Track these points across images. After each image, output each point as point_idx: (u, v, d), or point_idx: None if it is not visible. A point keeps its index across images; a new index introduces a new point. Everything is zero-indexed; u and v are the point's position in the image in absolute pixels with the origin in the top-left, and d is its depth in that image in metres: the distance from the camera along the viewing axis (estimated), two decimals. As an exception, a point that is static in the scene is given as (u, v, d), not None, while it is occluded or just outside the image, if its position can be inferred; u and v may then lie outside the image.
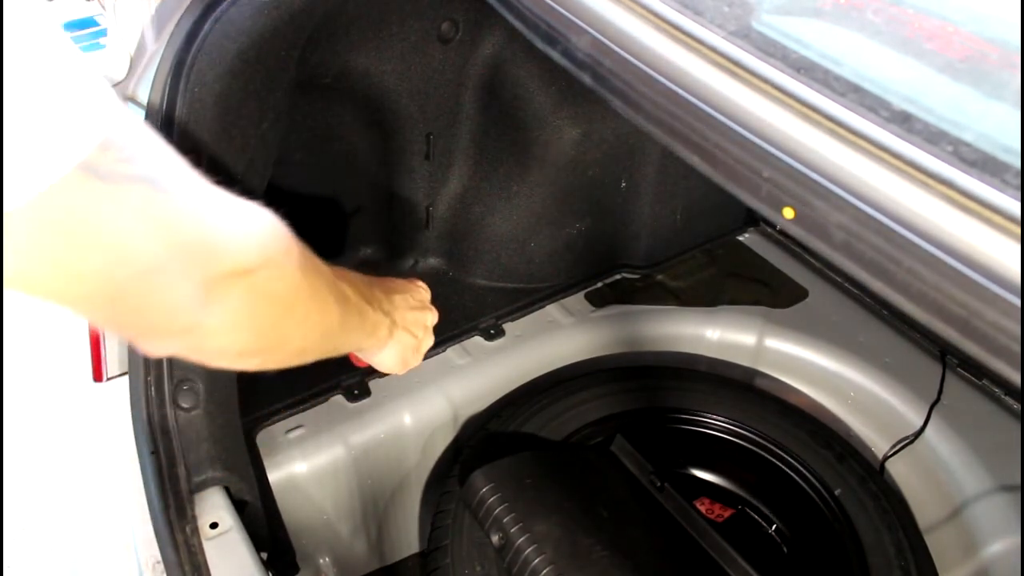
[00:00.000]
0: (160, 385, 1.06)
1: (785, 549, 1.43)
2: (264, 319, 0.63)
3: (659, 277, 1.80)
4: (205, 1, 1.00)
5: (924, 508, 1.44)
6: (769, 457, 1.46)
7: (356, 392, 1.47)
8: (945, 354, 1.56)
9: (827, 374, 1.61)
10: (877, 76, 0.59)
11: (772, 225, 1.89)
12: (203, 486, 1.10)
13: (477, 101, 1.48)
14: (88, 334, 1.14)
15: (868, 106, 0.56)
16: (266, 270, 0.60)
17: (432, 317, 1.00)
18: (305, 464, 1.41)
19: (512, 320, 1.67)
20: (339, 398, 1.48)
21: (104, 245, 0.48)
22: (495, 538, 1.20)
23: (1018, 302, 0.45)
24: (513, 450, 1.33)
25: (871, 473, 1.41)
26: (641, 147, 1.64)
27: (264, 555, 1.11)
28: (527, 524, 1.19)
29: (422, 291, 1.01)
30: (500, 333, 1.63)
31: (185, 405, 1.07)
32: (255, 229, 0.59)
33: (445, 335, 1.57)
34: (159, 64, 1.00)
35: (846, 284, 1.75)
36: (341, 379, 1.47)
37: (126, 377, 1.10)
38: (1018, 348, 0.45)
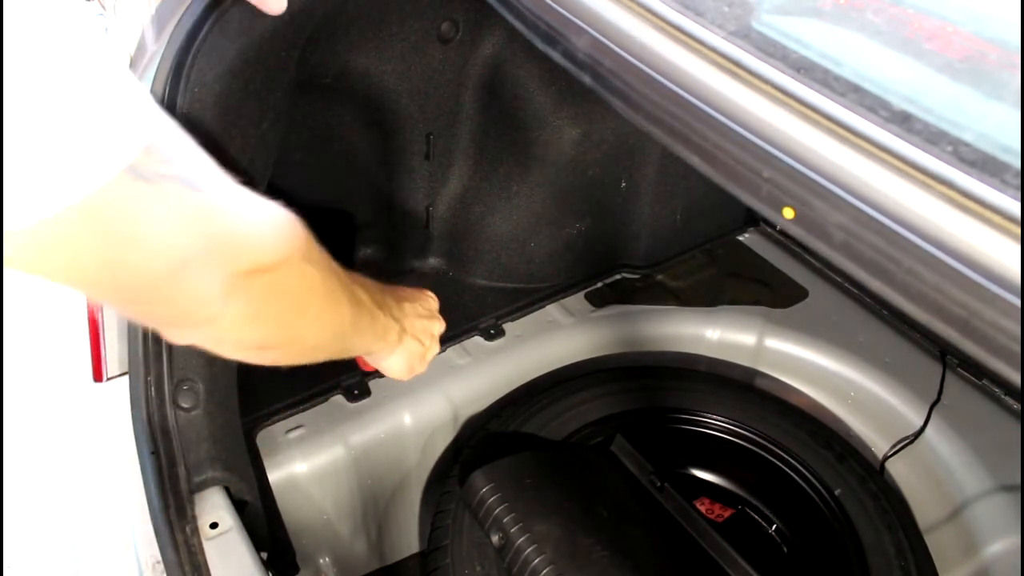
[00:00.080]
0: (160, 385, 1.06)
1: (785, 549, 1.43)
2: (281, 314, 0.66)
3: (659, 277, 1.80)
4: (205, 1, 1.00)
5: (924, 508, 1.44)
6: (769, 457, 1.46)
7: (356, 392, 1.47)
8: (945, 354, 1.56)
9: (827, 374, 1.61)
10: (877, 76, 0.59)
11: (772, 225, 1.89)
12: (203, 486, 1.10)
13: (477, 101, 1.48)
14: (88, 334, 1.14)
15: (868, 106, 0.56)
16: (285, 268, 0.63)
17: (439, 327, 1.03)
18: (305, 464, 1.41)
19: (512, 320, 1.67)
20: (339, 398, 1.48)
21: (144, 240, 0.51)
22: (495, 538, 1.20)
23: (1018, 302, 0.45)
24: (513, 450, 1.33)
25: (871, 473, 1.41)
26: (641, 147, 1.64)
27: (264, 555, 1.11)
28: (527, 524, 1.19)
29: (431, 300, 1.04)
30: (500, 333, 1.63)
31: (185, 405, 1.07)
32: (277, 228, 0.62)
33: (445, 335, 1.57)
34: (159, 64, 0.99)
35: (846, 284, 1.75)
36: (341, 379, 1.47)
37: (126, 377, 1.10)
38: (1018, 348, 0.45)
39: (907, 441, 1.50)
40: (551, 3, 0.74)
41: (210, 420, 1.10)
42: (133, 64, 1.06)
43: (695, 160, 0.61)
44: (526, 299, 1.70)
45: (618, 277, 1.80)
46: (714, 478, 1.52)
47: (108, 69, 0.47)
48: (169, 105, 0.97)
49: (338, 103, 1.41)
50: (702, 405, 1.51)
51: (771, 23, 0.66)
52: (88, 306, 1.14)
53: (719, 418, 1.50)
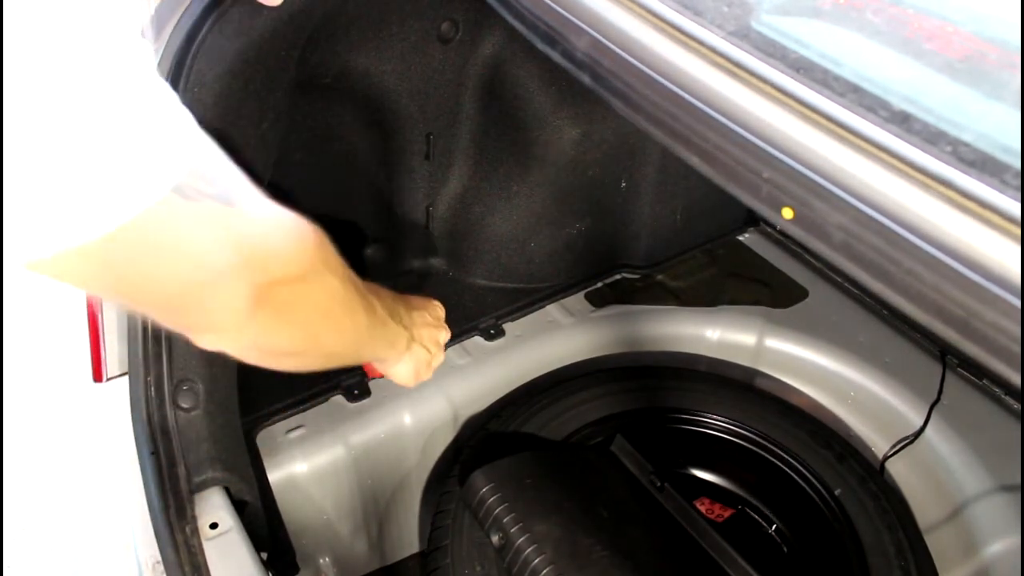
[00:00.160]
0: (160, 385, 1.06)
1: (785, 549, 1.43)
2: (304, 322, 0.70)
3: (659, 277, 1.80)
4: (205, 1, 1.00)
5: (924, 508, 1.44)
6: (769, 457, 1.45)
7: (356, 392, 1.47)
8: (945, 354, 1.56)
9: (827, 374, 1.61)
10: (876, 76, 0.59)
11: (772, 225, 1.89)
12: (203, 486, 1.10)
13: (477, 101, 1.48)
14: (88, 334, 1.14)
15: (867, 106, 0.56)
16: (310, 278, 0.67)
17: (445, 335, 1.06)
18: (305, 464, 1.41)
19: (512, 320, 1.67)
20: (339, 398, 1.47)
21: (186, 255, 0.54)
22: (495, 538, 1.20)
23: (1017, 303, 0.45)
24: (513, 450, 1.33)
25: (871, 473, 1.41)
26: (641, 147, 1.64)
27: (264, 555, 1.11)
28: (527, 524, 1.19)
29: (438, 309, 1.06)
30: (500, 333, 1.63)
31: (185, 405, 1.07)
32: (303, 240, 0.65)
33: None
34: (159, 64, 1.00)
35: (846, 284, 1.75)
36: (341, 379, 1.47)
37: (126, 377, 1.10)
38: (1018, 349, 0.45)
39: (907, 441, 1.50)
40: (550, 3, 0.74)
41: (210, 420, 1.10)
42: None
43: (695, 160, 0.61)
44: (526, 299, 1.70)
45: (618, 277, 1.80)
46: (714, 478, 1.52)
47: (155, 87, 0.49)
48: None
49: (338, 103, 1.41)
50: (702, 405, 1.51)
51: (770, 23, 0.66)
52: (88, 306, 1.14)
53: (719, 418, 1.50)
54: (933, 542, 1.34)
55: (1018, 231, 0.47)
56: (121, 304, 0.59)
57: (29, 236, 0.46)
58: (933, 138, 0.53)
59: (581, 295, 1.75)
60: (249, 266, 0.59)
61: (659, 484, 1.34)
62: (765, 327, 1.67)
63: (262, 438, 1.40)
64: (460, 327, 1.61)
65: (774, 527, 1.45)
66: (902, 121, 0.55)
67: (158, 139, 0.49)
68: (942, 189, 0.50)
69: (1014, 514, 1.33)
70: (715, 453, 1.50)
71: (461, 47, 1.39)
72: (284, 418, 1.43)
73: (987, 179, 0.49)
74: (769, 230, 1.91)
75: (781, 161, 0.55)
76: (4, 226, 0.45)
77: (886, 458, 1.52)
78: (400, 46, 1.34)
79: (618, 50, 0.67)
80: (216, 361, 1.10)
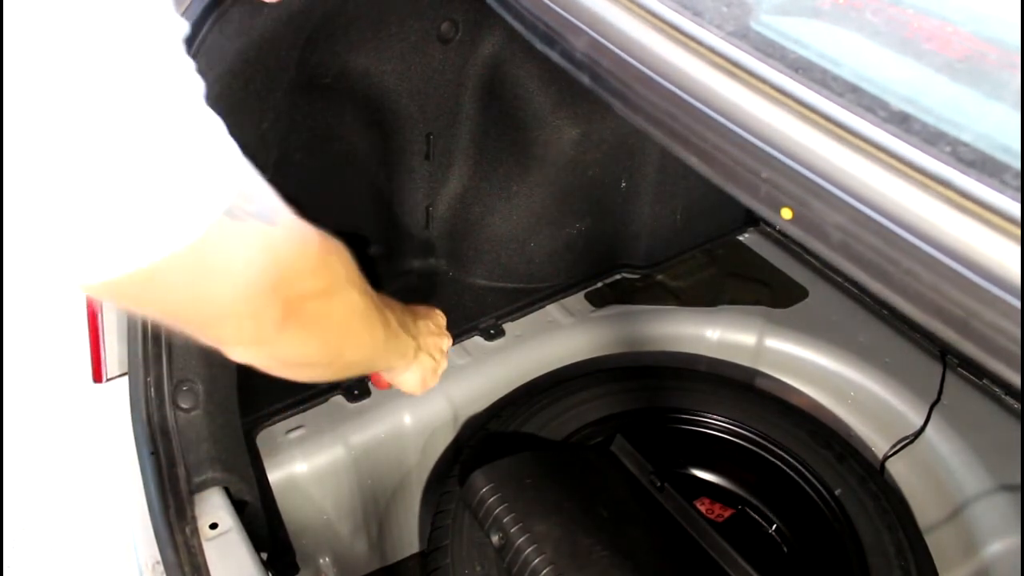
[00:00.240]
0: (160, 386, 1.06)
1: (785, 549, 1.43)
2: (329, 335, 0.73)
3: (659, 277, 1.80)
4: (205, 1, 1.00)
5: (924, 508, 1.44)
6: (769, 457, 1.45)
7: (356, 392, 1.47)
8: (945, 354, 1.56)
9: (827, 374, 1.61)
10: (876, 76, 0.59)
11: (772, 225, 1.89)
12: (203, 487, 1.10)
13: (477, 101, 1.48)
14: (88, 335, 1.14)
15: (866, 106, 0.56)
16: (336, 292, 0.70)
17: (447, 342, 1.08)
18: (305, 464, 1.41)
19: (512, 320, 1.67)
20: (339, 398, 1.48)
21: (230, 274, 0.56)
22: (495, 538, 1.20)
23: (1016, 303, 0.45)
24: (513, 450, 1.33)
25: (871, 473, 1.41)
26: (641, 147, 1.64)
27: (264, 555, 1.11)
28: (527, 524, 1.19)
29: (440, 317, 1.09)
30: (500, 333, 1.63)
31: (185, 406, 1.07)
32: (330, 256, 0.69)
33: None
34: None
35: (846, 284, 1.75)
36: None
37: (126, 378, 1.10)
38: (1016, 349, 0.45)
39: (907, 441, 1.50)
40: (550, 3, 0.74)
41: (210, 420, 1.10)
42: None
43: (694, 161, 0.61)
44: (526, 299, 1.70)
45: (618, 277, 1.80)
46: (714, 478, 1.52)
47: (202, 108, 0.51)
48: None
49: (338, 103, 1.41)
50: (702, 405, 1.51)
51: (770, 23, 0.66)
52: (88, 306, 1.14)
53: (719, 418, 1.50)
54: (933, 542, 1.34)
55: (1017, 231, 0.47)
56: (164, 322, 0.63)
57: (92, 259, 0.48)
58: (932, 138, 0.53)
59: (581, 295, 1.75)
60: (284, 283, 0.61)
61: (659, 484, 1.34)
62: (765, 327, 1.67)
63: (262, 438, 1.40)
64: (460, 327, 1.61)
65: (774, 527, 1.45)
66: (901, 121, 0.55)
67: (211, 162, 0.51)
68: (941, 189, 0.50)
69: (1014, 514, 1.33)
70: (715, 453, 1.50)
71: (461, 47, 1.39)
72: (284, 418, 1.43)
73: (986, 179, 0.49)
74: (769, 230, 1.91)
75: (780, 161, 0.55)
76: (65, 250, 0.47)
77: (886, 458, 1.52)
78: (400, 46, 1.34)
79: (617, 50, 0.67)
80: (215, 361, 1.10)
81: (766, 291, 1.75)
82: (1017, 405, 1.47)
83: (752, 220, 1.91)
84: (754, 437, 1.47)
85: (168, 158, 0.47)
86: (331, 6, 1.17)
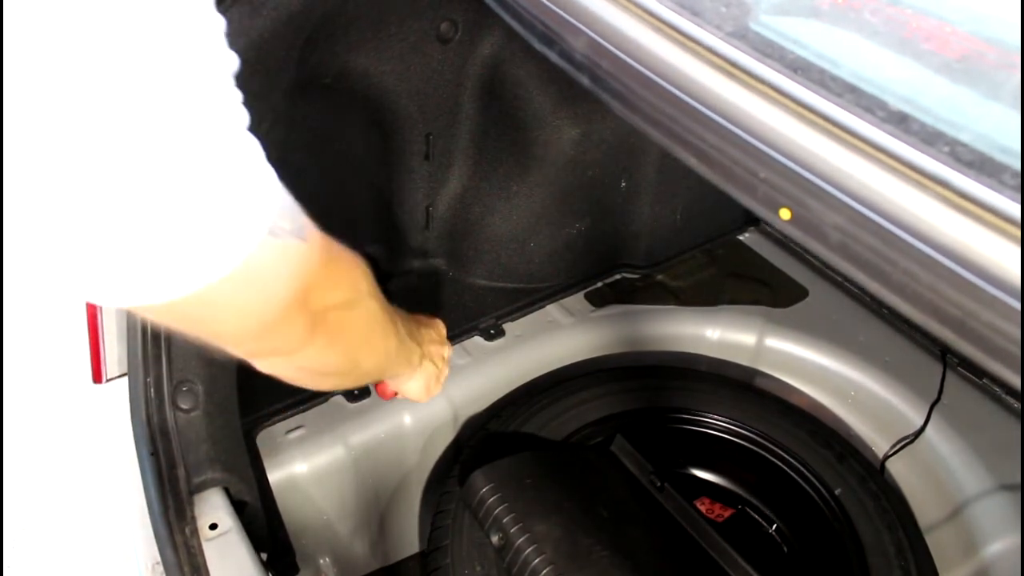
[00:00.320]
0: (159, 386, 1.06)
1: (785, 549, 1.43)
2: (349, 344, 0.76)
3: (659, 277, 1.80)
4: (204, 2, 1.00)
5: (924, 508, 1.44)
6: (769, 457, 1.45)
7: (356, 392, 1.47)
8: (946, 353, 1.56)
9: (827, 373, 1.61)
10: (874, 76, 0.59)
11: (772, 225, 1.89)
12: (202, 487, 1.10)
13: (476, 101, 1.48)
14: (88, 335, 1.14)
15: (865, 106, 0.56)
16: (357, 303, 0.73)
17: (448, 351, 1.13)
18: (305, 464, 1.41)
19: (512, 320, 1.67)
20: (339, 398, 1.48)
21: (272, 289, 0.59)
22: (495, 538, 1.20)
23: (1015, 303, 0.45)
24: (513, 450, 1.33)
25: (871, 473, 1.41)
26: (641, 147, 1.64)
27: (264, 556, 1.11)
28: (527, 524, 1.19)
29: (441, 327, 1.13)
30: (500, 333, 1.63)
31: (184, 406, 1.07)
32: (353, 269, 0.72)
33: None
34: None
35: (846, 283, 1.75)
36: (341, 379, 1.47)
37: (125, 378, 1.10)
38: (1015, 349, 0.45)
39: (907, 441, 1.50)
40: (548, 4, 0.74)
41: (209, 421, 1.10)
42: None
43: (692, 161, 0.61)
44: (526, 299, 1.69)
45: (618, 277, 1.80)
46: (714, 478, 1.52)
47: (247, 136, 0.52)
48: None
49: (338, 103, 1.41)
50: (702, 405, 1.51)
51: (768, 23, 0.66)
52: (88, 307, 1.14)
53: (719, 418, 1.50)
54: (933, 542, 1.33)
55: (1016, 232, 0.46)
56: (204, 338, 0.63)
57: (154, 282, 0.50)
58: (931, 138, 0.53)
59: (581, 295, 1.75)
60: (315, 294, 0.64)
61: (659, 484, 1.34)
62: (765, 327, 1.67)
63: (262, 438, 1.40)
64: (460, 327, 1.61)
65: (774, 527, 1.45)
66: (900, 121, 0.55)
67: (254, 184, 0.53)
68: (939, 189, 0.50)
69: (1014, 514, 1.32)
70: (715, 453, 1.50)
71: (460, 47, 1.39)
72: (284, 418, 1.44)
73: (985, 180, 0.49)
74: (769, 229, 1.91)
75: (778, 162, 0.55)
76: (123, 273, 0.49)
77: (886, 458, 1.52)
78: (399, 46, 1.34)
79: (616, 51, 0.67)
80: (215, 362, 1.10)
81: (766, 291, 1.75)
82: (1017, 405, 1.47)
83: (752, 220, 1.91)
84: (754, 437, 1.47)
85: (220, 183, 0.49)
86: (330, 6, 1.17)
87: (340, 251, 0.69)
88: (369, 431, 1.46)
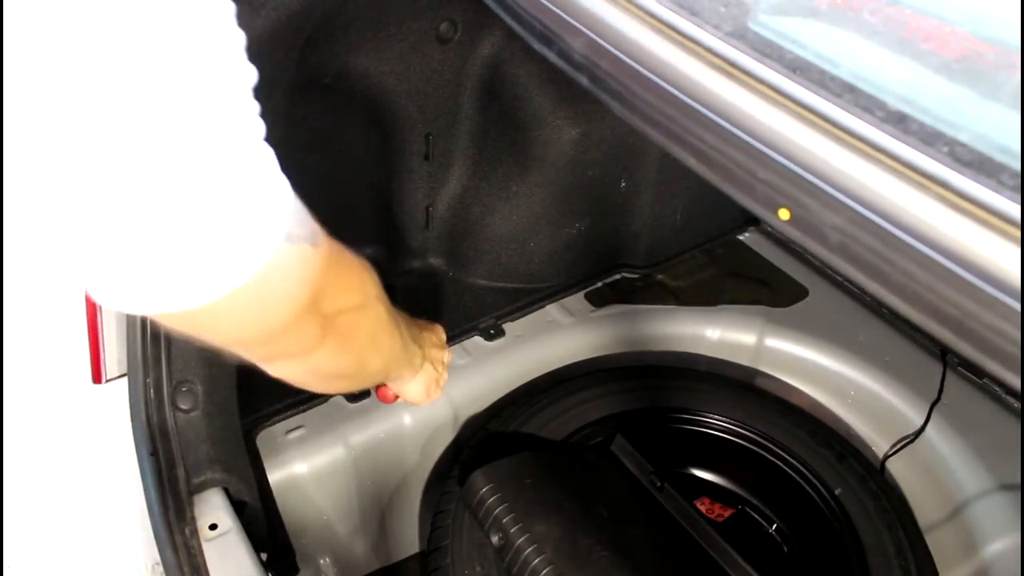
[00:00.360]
0: (159, 387, 1.06)
1: (785, 549, 1.43)
2: (358, 347, 0.77)
3: (659, 277, 1.80)
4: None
5: (924, 507, 1.44)
6: (769, 457, 1.45)
7: (356, 393, 1.47)
8: (946, 353, 1.56)
9: (827, 373, 1.61)
10: (873, 76, 0.59)
11: (771, 225, 1.89)
12: (202, 487, 1.10)
13: (476, 101, 1.48)
14: (87, 336, 1.14)
15: (864, 107, 0.56)
16: (365, 307, 0.75)
17: (448, 355, 1.14)
18: (305, 464, 1.41)
19: (512, 320, 1.67)
20: (339, 398, 1.48)
21: (289, 294, 0.60)
22: (495, 538, 1.20)
23: (1014, 304, 0.45)
24: (513, 450, 1.33)
25: (871, 472, 1.41)
26: (641, 147, 1.64)
27: (264, 556, 1.11)
28: (527, 524, 1.19)
29: (441, 332, 1.15)
30: (500, 333, 1.63)
31: (184, 407, 1.07)
32: (362, 273, 0.73)
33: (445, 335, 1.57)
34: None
35: (847, 283, 1.75)
36: (341, 379, 1.47)
37: (125, 379, 1.10)
38: (1014, 350, 0.45)
39: (907, 440, 1.50)
40: (547, 4, 0.73)
41: (209, 421, 1.10)
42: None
43: (691, 161, 0.61)
44: (526, 299, 1.69)
45: (618, 277, 1.80)
46: (714, 478, 1.52)
47: (264, 146, 0.54)
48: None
49: (338, 103, 1.41)
50: (702, 405, 1.51)
51: (767, 23, 0.66)
52: (87, 307, 1.14)
53: (719, 418, 1.50)
54: (933, 542, 1.33)
55: (1015, 232, 0.46)
56: (220, 344, 0.64)
57: (171, 290, 0.51)
58: (930, 138, 0.53)
59: (581, 295, 1.75)
60: (327, 298, 0.65)
61: (659, 484, 1.34)
62: (765, 326, 1.67)
63: (262, 439, 1.40)
64: (460, 327, 1.61)
65: (774, 527, 1.45)
66: (899, 121, 0.55)
67: (272, 191, 0.54)
68: (938, 190, 0.50)
69: (1014, 514, 1.32)
70: (715, 453, 1.50)
71: (460, 47, 1.39)
72: (284, 418, 1.44)
73: (984, 180, 0.49)
74: (769, 229, 1.91)
75: (777, 162, 0.55)
76: (145, 282, 0.50)
77: (886, 457, 1.52)
78: (399, 47, 1.34)
79: (614, 51, 0.67)
80: (215, 362, 1.10)
81: (766, 290, 1.75)
82: (1017, 405, 1.47)
83: (752, 219, 1.91)
84: (754, 437, 1.47)
85: (240, 192, 0.51)
86: (330, 6, 1.17)
87: (348, 255, 0.70)
88: (369, 431, 1.46)
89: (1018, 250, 0.46)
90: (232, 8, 0.50)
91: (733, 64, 0.62)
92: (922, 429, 1.48)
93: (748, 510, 1.48)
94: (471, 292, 1.69)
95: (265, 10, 1.02)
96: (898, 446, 1.51)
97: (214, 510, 1.07)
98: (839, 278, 1.76)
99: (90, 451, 1.18)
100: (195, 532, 1.03)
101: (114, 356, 1.14)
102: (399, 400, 1.13)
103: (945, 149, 0.52)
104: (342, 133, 1.46)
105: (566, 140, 1.54)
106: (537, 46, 0.76)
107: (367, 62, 1.33)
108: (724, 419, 1.50)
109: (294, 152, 1.45)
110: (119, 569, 1.08)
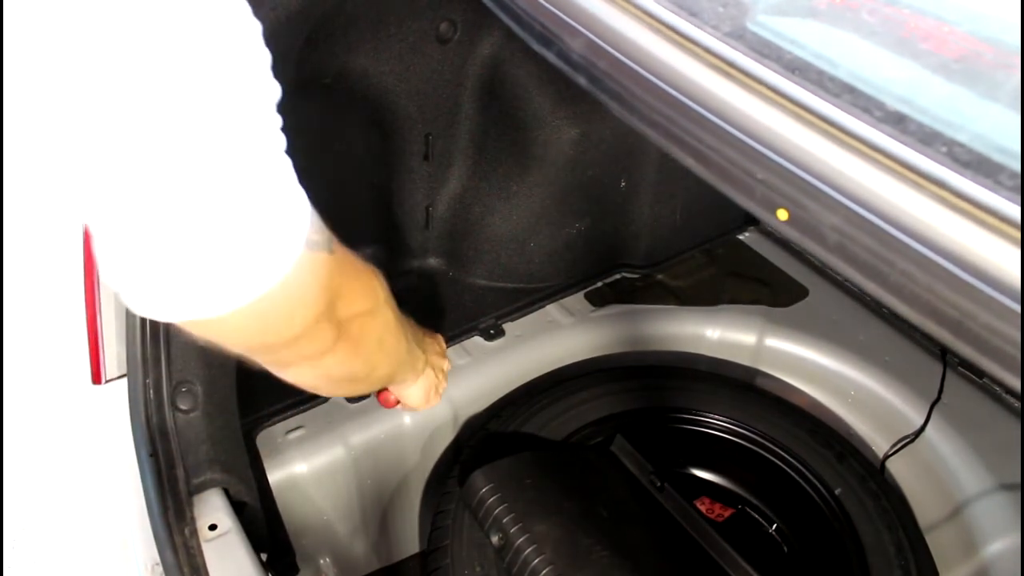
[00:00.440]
0: (159, 387, 1.06)
1: (785, 549, 1.43)
2: (369, 351, 0.78)
3: (659, 277, 1.80)
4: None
5: (924, 507, 1.44)
6: (769, 456, 1.45)
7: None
8: (946, 352, 1.55)
9: (827, 373, 1.61)
10: (872, 77, 0.59)
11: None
12: (202, 488, 1.10)
13: (476, 101, 1.48)
14: (87, 336, 1.14)
15: (862, 107, 0.56)
16: (375, 312, 0.76)
17: (448, 365, 1.17)
18: (305, 465, 1.41)
19: (512, 320, 1.67)
20: (339, 398, 1.47)
21: (308, 299, 0.61)
22: (495, 538, 1.20)
23: (1013, 304, 0.45)
24: (513, 450, 1.33)
25: (871, 472, 1.41)
26: (640, 146, 1.63)
27: (264, 556, 1.11)
28: (527, 524, 1.19)
29: (442, 340, 1.17)
30: (500, 333, 1.63)
31: (184, 407, 1.07)
32: (372, 279, 0.75)
33: (445, 335, 1.57)
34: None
35: (847, 283, 1.75)
36: (341, 380, 1.47)
37: (125, 379, 1.10)
38: (1013, 351, 0.45)
39: (907, 440, 1.50)
40: (546, 4, 0.73)
41: (209, 422, 1.10)
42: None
43: (690, 162, 0.61)
44: (526, 299, 1.69)
45: (618, 277, 1.80)
46: (714, 478, 1.52)
47: (285, 157, 0.55)
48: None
49: (338, 104, 1.41)
50: (702, 405, 1.51)
51: (766, 23, 0.66)
52: (87, 308, 1.14)
53: (719, 418, 1.50)
54: (933, 541, 1.33)
55: (1014, 232, 0.46)
56: (241, 350, 0.66)
57: (202, 297, 0.53)
58: (928, 139, 0.53)
59: (581, 295, 1.75)
60: (342, 303, 0.67)
61: (659, 484, 1.34)
62: (765, 326, 1.67)
63: (262, 439, 1.40)
64: (460, 327, 1.61)
65: (774, 527, 1.45)
66: (897, 122, 0.55)
67: (292, 201, 0.56)
68: (937, 190, 0.50)
69: (1014, 513, 1.32)
70: (715, 453, 1.50)
71: (459, 47, 1.39)
72: (284, 419, 1.43)
73: (982, 180, 0.49)
74: (769, 229, 1.91)
75: (776, 162, 0.55)
76: (176, 290, 0.53)
77: (886, 457, 1.52)
78: (399, 47, 1.34)
79: (613, 51, 0.67)
80: (215, 363, 1.10)
81: (766, 290, 1.75)
82: (1017, 404, 1.47)
83: (752, 219, 1.91)
84: (754, 437, 1.47)
85: (265, 203, 0.53)
86: (330, 7, 1.17)
87: (358, 261, 0.72)
88: (369, 431, 1.46)
89: (1017, 251, 0.46)
90: (259, 28, 0.53)
91: (732, 64, 0.62)
92: (922, 429, 1.48)
93: (748, 510, 1.47)
94: (471, 292, 1.69)
95: (264, 10, 1.02)
96: (898, 446, 1.51)
97: (214, 510, 1.07)
98: (839, 278, 1.76)
99: (90, 452, 1.18)
100: (195, 532, 1.03)
101: (114, 357, 1.14)
102: (400, 404, 1.14)
103: (944, 149, 0.52)
104: (342, 133, 1.46)
105: (566, 140, 1.54)
106: (536, 47, 0.76)
107: (367, 62, 1.33)
108: (724, 419, 1.49)
109: (294, 152, 1.45)
110: (119, 569, 1.08)
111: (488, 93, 1.47)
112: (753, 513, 1.47)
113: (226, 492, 1.11)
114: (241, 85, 0.51)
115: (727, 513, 1.48)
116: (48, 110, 0.45)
